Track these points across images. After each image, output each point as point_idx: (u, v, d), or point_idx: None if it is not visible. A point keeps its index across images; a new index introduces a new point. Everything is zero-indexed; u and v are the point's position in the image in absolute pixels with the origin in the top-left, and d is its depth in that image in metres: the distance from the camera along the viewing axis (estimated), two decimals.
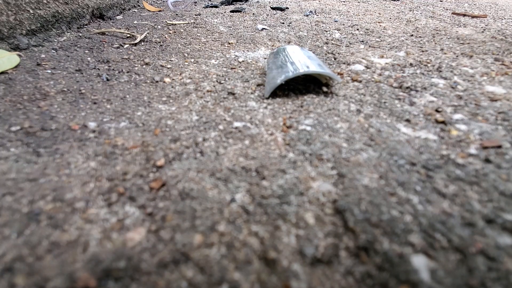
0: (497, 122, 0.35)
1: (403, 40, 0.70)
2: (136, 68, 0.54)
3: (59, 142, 0.33)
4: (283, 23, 0.90)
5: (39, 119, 0.37)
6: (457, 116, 0.37)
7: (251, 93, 0.44)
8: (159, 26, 0.85)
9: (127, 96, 0.43)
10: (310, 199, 0.25)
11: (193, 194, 0.26)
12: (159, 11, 1.11)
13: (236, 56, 0.60)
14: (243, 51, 0.64)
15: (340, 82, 0.47)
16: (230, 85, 0.47)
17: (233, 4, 1.26)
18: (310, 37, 0.74)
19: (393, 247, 0.21)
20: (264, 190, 0.26)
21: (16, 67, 0.52)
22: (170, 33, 0.78)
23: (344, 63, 0.55)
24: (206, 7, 1.19)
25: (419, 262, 0.20)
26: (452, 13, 1.00)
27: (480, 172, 0.28)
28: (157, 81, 0.48)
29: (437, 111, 0.38)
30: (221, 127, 0.36)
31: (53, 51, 0.61)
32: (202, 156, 0.30)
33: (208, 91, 0.45)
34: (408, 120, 0.36)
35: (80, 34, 0.74)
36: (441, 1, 1.26)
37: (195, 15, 1.03)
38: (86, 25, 0.83)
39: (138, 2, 1.19)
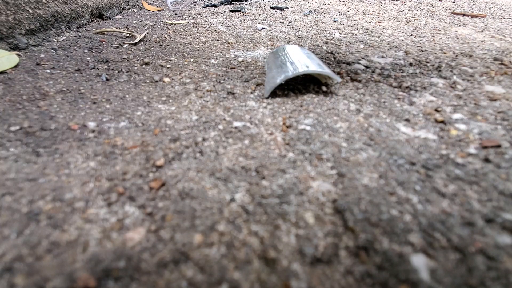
0: (497, 122, 0.35)
1: (402, 40, 0.70)
2: (136, 68, 0.53)
3: (58, 142, 0.33)
4: (282, 22, 0.90)
5: (39, 119, 0.37)
6: (456, 115, 0.37)
7: (251, 92, 0.44)
8: (158, 26, 0.85)
9: (127, 96, 0.43)
10: (310, 199, 0.25)
11: (192, 194, 0.26)
12: (159, 10, 1.11)
13: (236, 55, 0.60)
14: (243, 50, 0.64)
15: (339, 82, 0.47)
16: (230, 85, 0.47)
17: (233, 3, 1.26)
18: (309, 37, 0.74)
19: (393, 246, 0.21)
20: (264, 189, 0.26)
21: (15, 67, 0.52)
22: (169, 32, 0.78)
23: (343, 63, 0.55)
24: (206, 6, 1.19)
25: (419, 261, 0.20)
26: (452, 13, 1.00)
27: (479, 171, 0.28)
28: (156, 81, 0.48)
29: (436, 110, 0.38)
30: (220, 126, 0.35)
31: (52, 50, 0.61)
32: (202, 156, 0.30)
33: (207, 90, 0.45)
34: (407, 120, 0.36)
35: (80, 34, 0.74)
36: (441, 0, 1.26)
37: (195, 14, 1.03)
38: (85, 24, 0.83)
39: (137, 1, 1.19)
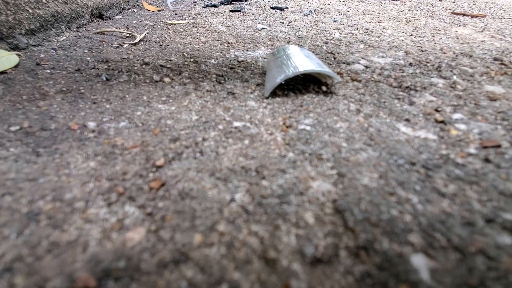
0: (497, 122, 0.35)
1: (402, 40, 0.70)
2: (136, 68, 0.53)
3: (58, 142, 0.33)
4: (282, 22, 0.90)
5: (39, 119, 0.37)
6: (456, 115, 0.37)
7: (251, 92, 0.44)
8: (158, 26, 0.85)
9: (127, 96, 0.43)
10: (310, 199, 0.25)
11: (192, 194, 0.26)
12: (159, 10, 1.11)
13: (236, 55, 0.60)
14: (243, 50, 0.64)
15: (339, 82, 0.47)
16: (230, 85, 0.46)
17: (233, 3, 1.26)
18: (309, 37, 0.74)
19: (393, 246, 0.21)
20: (264, 189, 0.26)
21: (15, 67, 0.52)
22: (169, 32, 0.78)
23: (343, 63, 0.55)
24: (206, 6, 1.19)
25: (419, 261, 0.20)
26: (452, 13, 1.00)
27: (479, 171, 0.28)
28: (156, 81, 0.48)
29: (436, 110, 0.38)
30: (220, 126, 0.35)
31: (52, 50, 0.61)
32: (202, 156, 0.30)
33: (207, 90, 0.45)
34: (407, 120, 0.36)
35: (80, 34, 0.74)
36: (441, 0, 1.26)
37: (195, 14, 1.03)
38: (85, 24, 0.83)
39: (137, 1, 1.19)
